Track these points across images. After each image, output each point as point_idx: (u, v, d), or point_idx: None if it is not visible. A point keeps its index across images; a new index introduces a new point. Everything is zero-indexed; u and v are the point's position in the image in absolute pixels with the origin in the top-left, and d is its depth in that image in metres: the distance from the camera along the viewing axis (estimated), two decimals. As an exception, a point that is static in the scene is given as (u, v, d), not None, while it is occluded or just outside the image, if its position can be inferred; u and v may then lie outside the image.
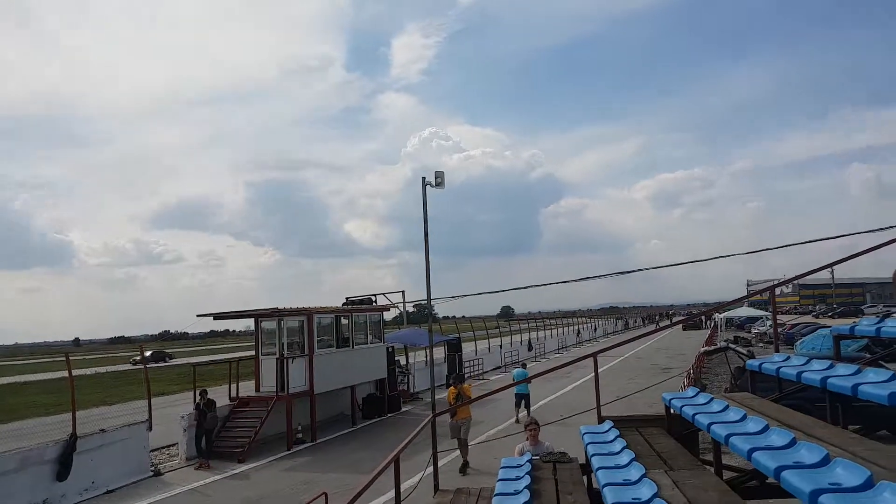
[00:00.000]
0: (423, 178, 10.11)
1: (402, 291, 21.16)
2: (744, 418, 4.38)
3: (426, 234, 9.81)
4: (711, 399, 5.33)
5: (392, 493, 5.23)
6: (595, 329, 57.96)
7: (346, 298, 19.27)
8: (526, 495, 4.28)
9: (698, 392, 5.77)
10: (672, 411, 5.70)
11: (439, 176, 9.94)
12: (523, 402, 15.61)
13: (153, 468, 12.71)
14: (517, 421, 15.19)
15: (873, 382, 4.08)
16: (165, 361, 53.07)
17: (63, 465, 10.84)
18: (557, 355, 38.68)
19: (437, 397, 15.12)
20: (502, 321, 45.32)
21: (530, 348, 36.78)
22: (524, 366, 17.93)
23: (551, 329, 47.06)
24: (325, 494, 7.94)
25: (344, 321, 17.20)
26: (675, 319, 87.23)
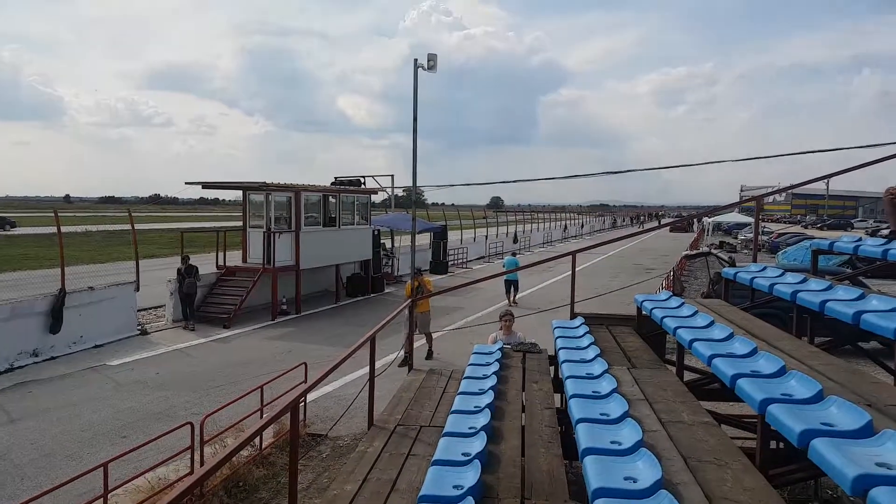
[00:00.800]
0: (416, 61, 9.56)
1: (391, 175, 20.89)
2: (711, 325, 4.49)
3: (415, 119, 9.49)
4: (683, 304, 5.45)
5: (367, 368, 5.46)
6: (582, 226, 58.54)
7: (335, 178, 19.18)
8: (493, 380, 4.46)
9: (671, 296, 5.88)
10: (643, 312, 5.85)
11: (432, 59, 9.42)
12: (513, 287, 16.91)
13: (140, 327, 13.18)
14: (511, 303, 16.50)
15: (841, 300, 4.15)
16: (5, 230, 44.60)
17: (55, 319, 11.17)
18: (542, 249, 39.24)
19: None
20: (491, 212, 45.43)
21: (516, 241, 37.26)
22: (514, 255, 18.56)
23: (539, 223, 47.43)
24: (305, 364, 8.32)
25: (332, 200, 17.32)
26: (663, 221, 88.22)
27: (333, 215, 17.25)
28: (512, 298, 16.98)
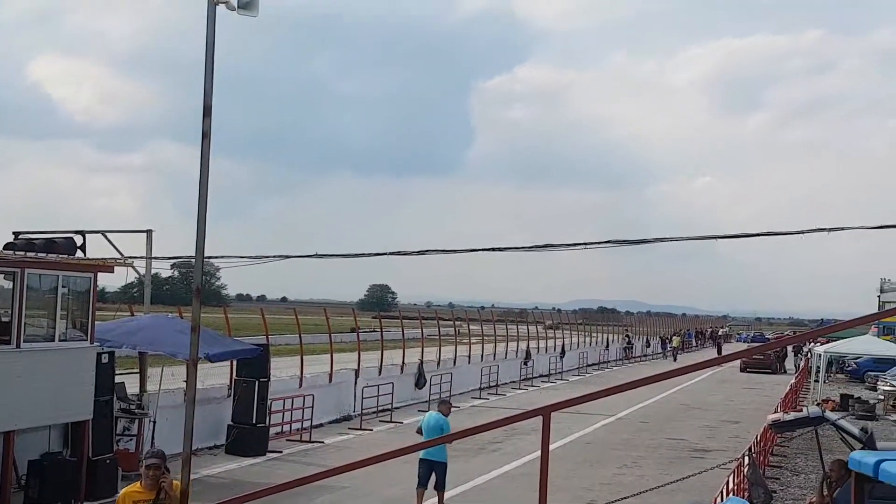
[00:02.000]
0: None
1: (148, 232, 20.58)
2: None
3: (207, 109, 9.51)
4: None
5: None
6: (563, 353, 59.82)
7: (16, 234, 19.19)
8: None
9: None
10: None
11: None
12: (434, 477, 17.36)
13: None
14: None
15: None
16: None
17: None
18: (476, 403, 39.32)
19: (196, 473, 15.00)
20: (367, 318, 45.48)
21: (421, 383, 37.32)
22: (447, 408, 18.73)
23: (473, 344, 47.98)
24: None
25: (4, 284, 17.39)
26: (726, 348, 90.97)
27: (6, 318, 17.12)
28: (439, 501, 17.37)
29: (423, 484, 17.19)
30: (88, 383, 18.23)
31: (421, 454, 16.98)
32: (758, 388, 48.66)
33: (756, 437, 22.51)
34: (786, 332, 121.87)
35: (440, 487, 17.35)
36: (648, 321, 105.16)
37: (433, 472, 17.25)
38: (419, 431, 18.19)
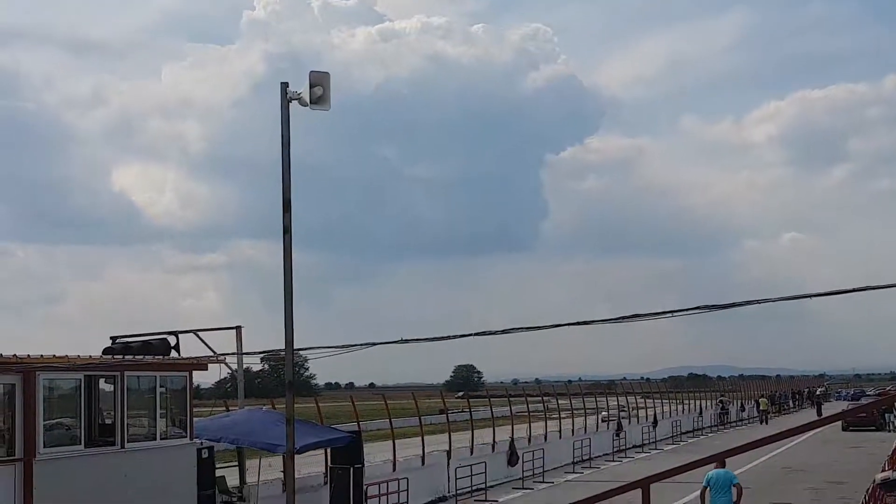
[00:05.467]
0: (285, 86, 10.24)
1: (238, 328, 21.06)
2: None
3: (287, 204, 10.00)
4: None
5: None
6: (655, 422, 59.12)
7: (114, 339, 19.43)
8: None
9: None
10: None
11: (318, 81, 10.08)
12: None
13: None
14: None
15: None
16: None
17: None
18: (570, 478, 38.96)
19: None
20: (455, 398, 45.57)
21: (514, 460, 37.16)
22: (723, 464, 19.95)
23: (560, 419, 47.75)
24: None
25: (106, 387, 17.46)
26: (825, 408, 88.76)
27: (110, 420, 17.19)
28: None
29: None
30: (191, 479, 18.48)
31: None
32: (863, 446, 47.33)
33: (864, 498, 22.05)
34: (888, 388, 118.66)
35: None
36: (741, 385, 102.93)
37: None
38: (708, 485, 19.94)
